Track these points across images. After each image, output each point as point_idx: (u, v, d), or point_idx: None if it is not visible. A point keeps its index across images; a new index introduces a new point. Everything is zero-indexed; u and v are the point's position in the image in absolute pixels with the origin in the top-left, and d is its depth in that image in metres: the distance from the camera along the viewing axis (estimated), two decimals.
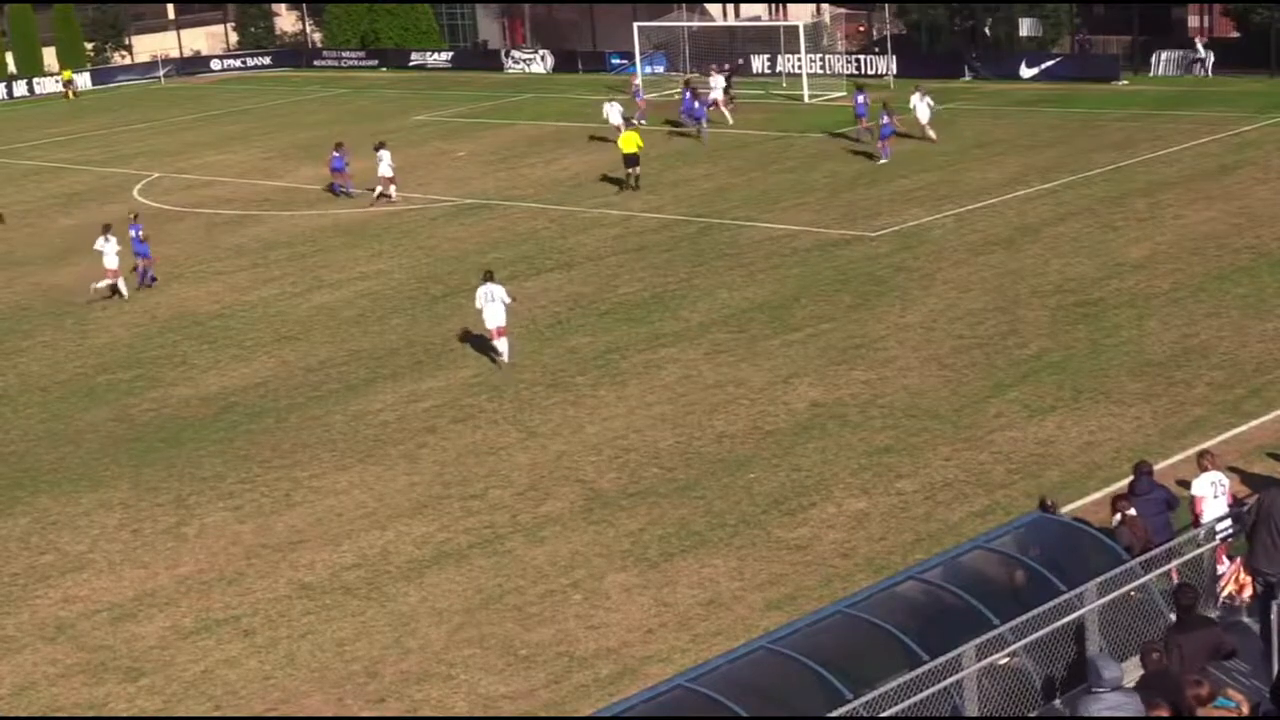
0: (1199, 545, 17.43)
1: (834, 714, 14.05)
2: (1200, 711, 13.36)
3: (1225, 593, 17.20)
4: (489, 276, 31.36)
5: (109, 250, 38.49)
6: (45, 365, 33.89)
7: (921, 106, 49.70)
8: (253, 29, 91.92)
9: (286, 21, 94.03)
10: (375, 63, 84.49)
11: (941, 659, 14.68)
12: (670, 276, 36.33)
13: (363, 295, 37.23)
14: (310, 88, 78.76)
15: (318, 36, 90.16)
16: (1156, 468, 20.21)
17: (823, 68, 65.02)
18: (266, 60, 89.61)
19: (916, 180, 44.31)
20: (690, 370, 29.62)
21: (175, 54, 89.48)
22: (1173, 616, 15.61)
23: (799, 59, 63.94)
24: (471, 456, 26.36)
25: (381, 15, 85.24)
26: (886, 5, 69.63)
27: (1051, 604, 15.60)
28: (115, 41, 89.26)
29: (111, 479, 26.75)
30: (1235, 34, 62.40)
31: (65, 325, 36.92)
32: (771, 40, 68.80)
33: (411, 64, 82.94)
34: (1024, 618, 15.41)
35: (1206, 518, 18.39)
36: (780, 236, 39.12)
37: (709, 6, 79.85)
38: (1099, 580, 15.81)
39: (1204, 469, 19.23)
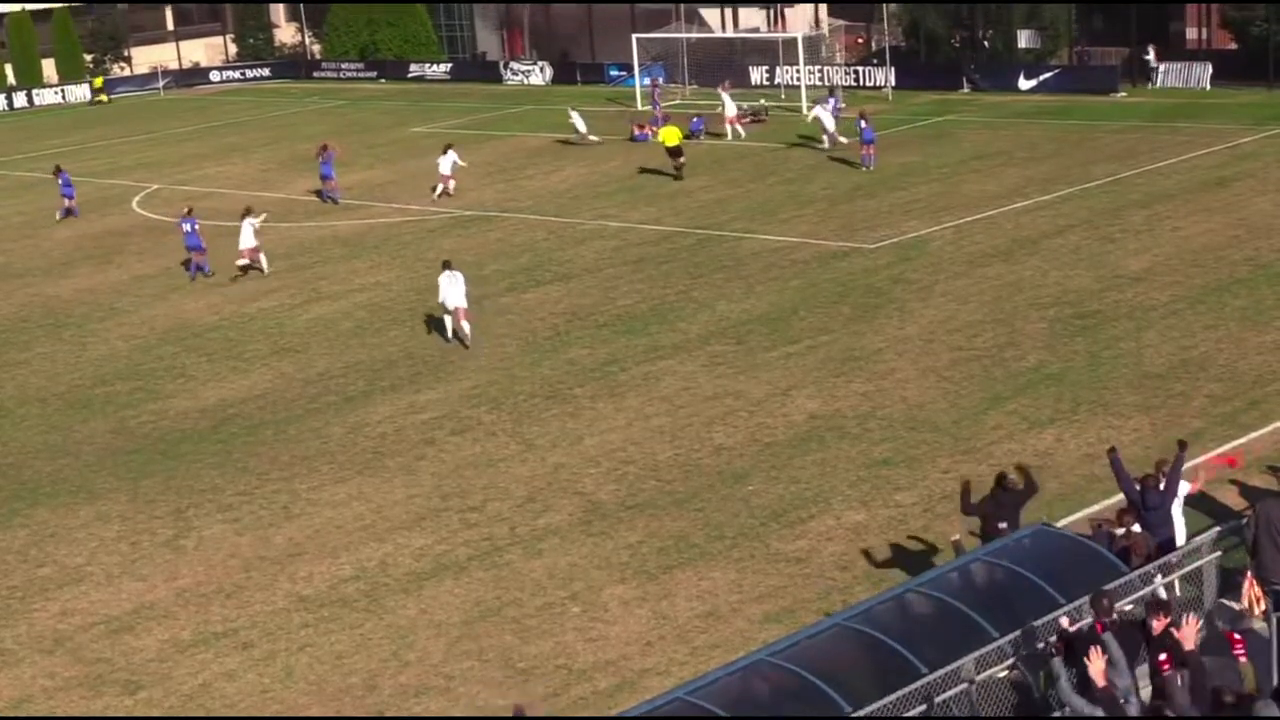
0: (1202, 556, 17.44)
1: None
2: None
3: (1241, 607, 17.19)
4: (448, 265, 33.57)
5: (247, 229, 40.51)
6: (43, 377, 33.87)
7: (824, 114, 50.42)
8: (252, 40, 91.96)
9: (285, 33, 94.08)
10: (374, 74, 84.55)
11: (941, 671, 14.67)
12: (669, 288, 36.33)
13: (361, 307, 37.23)
14: (309, 99, 78.81)
15: (317, 48, 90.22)
16: None
17: (821, 79, 65.09)
18: (265, 71, 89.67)
19: (914, 192, 44.34)
20: (689, 382, 29.61)
21: (174, 65, 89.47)
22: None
23: (798, 70, 64.01)
24: (470, 468, 26.34)
25: (381, 27, 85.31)
26: (885, 18, 69.65)
27: (1049, 617, 15.60)
28: (114, 53, 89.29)
29: (109, 491, 26.74)
30: (1233, 45, 62.43)
31: (64, 337, 36.91)
32: (770, 51, 68.85)
33: (410, 75, 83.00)
34: (1022, 630, 15.42)
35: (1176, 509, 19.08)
36: (779, 248, 39.13)
37: (707, 17, 79.93)
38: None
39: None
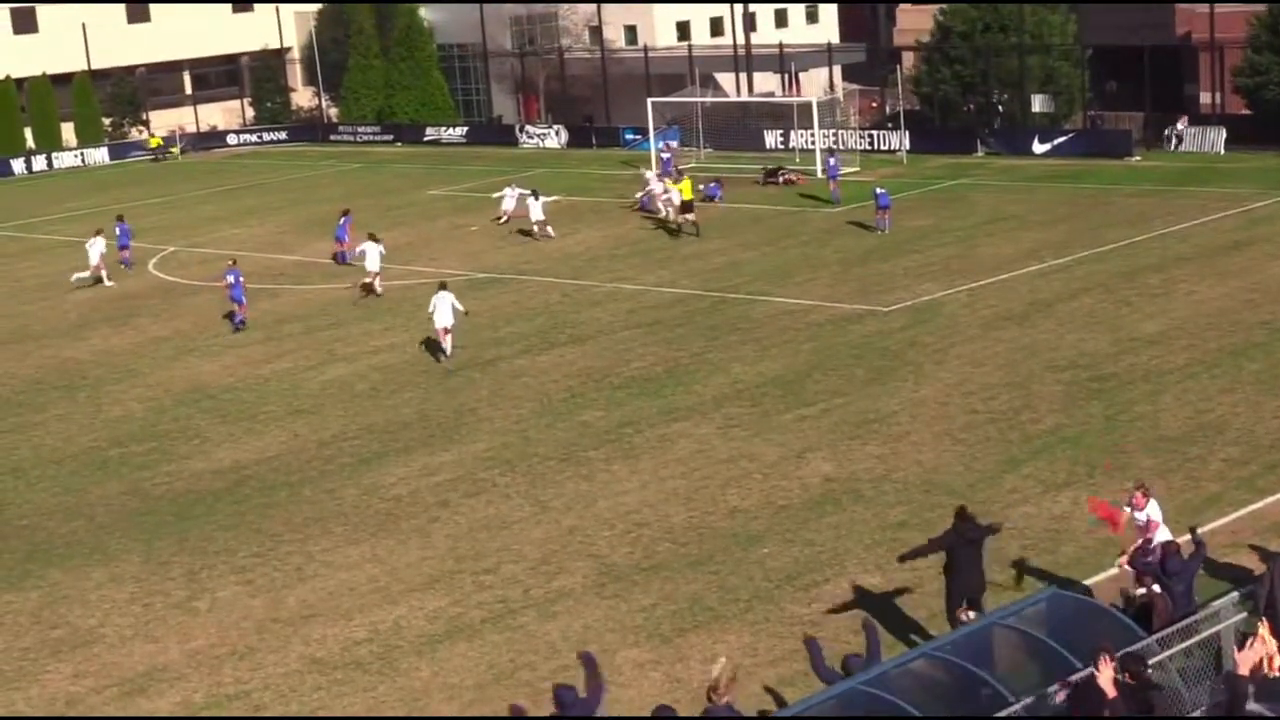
0: (1220, 621, 17.31)
1: None
2: None
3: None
4: (443, 286, 37.48)
5: (372, 253, 44.74)
6: (59, 438, 33.91)
7: (654, 181, 52.69)
8: (269, 104, 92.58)
9: (302, 97, 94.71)
10: (390, 137, 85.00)
11: None
12: (683, 351, 36.34)
13: (376, 369, 37.27)
14: (326, 162, 79.20)
15: (333, 111, 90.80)
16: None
17: (836, 143, 65.33)
18: (282, 135, 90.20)
19: (929, 255, 44.38)
20: (703, 445, 29.57)
21: (191, 129, 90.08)
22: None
23: (812, 134, 64.22)
24: (484, 530, 26.29)
25: (398, 91, 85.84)
26: (900, 82, 69.92)
27: (1079, 674, 15.50)
28: (133, 117, 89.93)
29: (123, 552, 26.70)
30: (1247, 111, 62.57)
31: (79, 398, 36.98)
32: (784, 116, 69.12)
33: (426, 139, 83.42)
34: (1040, 694, 15.32)
35: (1158, 538, 19.65)
36: (793, 311, 39.15)
37: (722, 82, 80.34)
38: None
39: (1149, 498, 20.35)
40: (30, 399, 37.33)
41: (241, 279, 42.25)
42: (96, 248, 49.57)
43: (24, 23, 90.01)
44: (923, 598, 22.02)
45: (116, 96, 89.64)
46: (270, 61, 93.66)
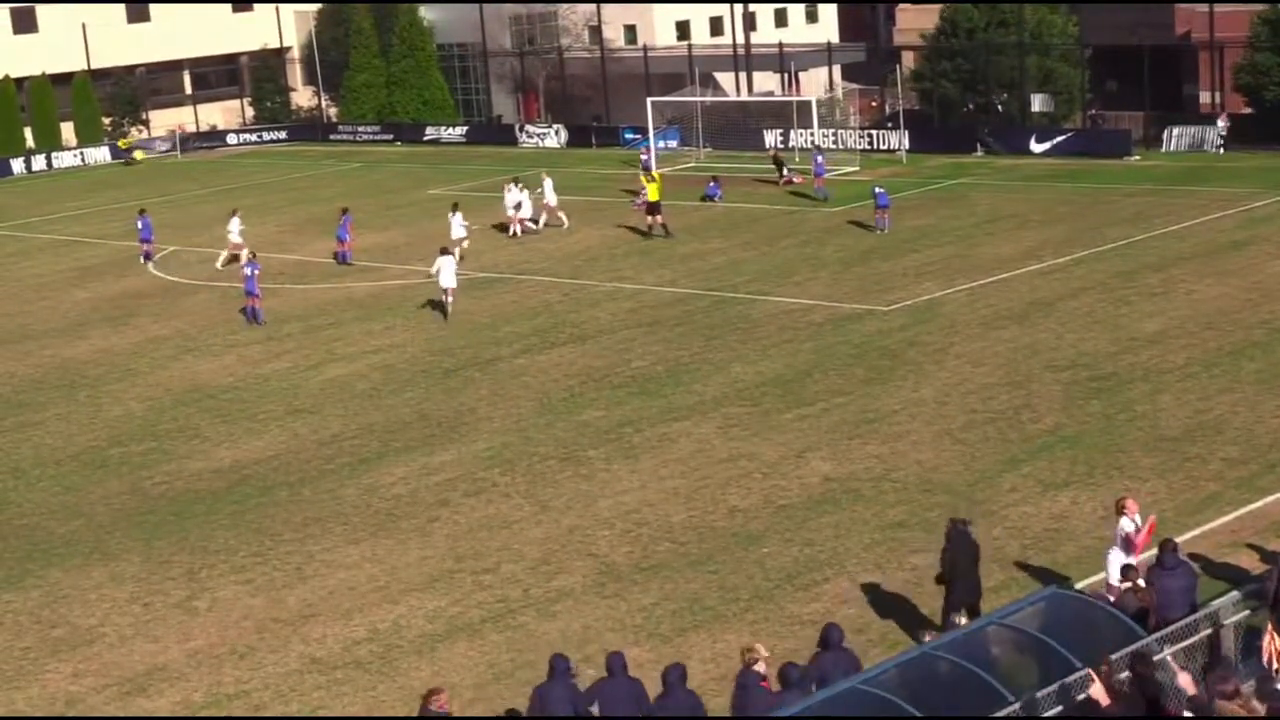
0: (1218, 623, 17.32)
1: None
2: None
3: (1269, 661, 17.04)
4: (445, 250, 41.74)
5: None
6: (58, 438, 33.92)
7: (517, 197, 52.42)
8: (269, 104, 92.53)
9: (302, 96, 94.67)
10: (390, 137, 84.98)
11: None
12: (683, 350, 36.35)
13: (375, 368, 37.28)
14: (325, 162, 79.19)
15: (333, 111, 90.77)
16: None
17: (836, 143, 65.35)
18: (282, 134, 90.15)
19: (929, 255, 44.40)
20: (703, 444, 29.58)
21: (191, 128, 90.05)
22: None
23: (812, 134, 64.24)
24: (484, 530, 26.30)
25: (397, 90, 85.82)
26: (899, 81, 69.92)
27: (1069, 679, 15.51)
28: (133, 117, 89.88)
29: (123, 552, 26.71)
30: (1247, 109, 62.58)
31: (79, 398, 36.98)
32: (784, 115, 69.13)
33: (426, 138, 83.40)
34: (1039, 693, 15.32)
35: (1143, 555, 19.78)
36: (793, 310, 39.17)
37: (722, 81, 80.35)
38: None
39: (1131, 511, 20.30)
40: (30, 398, 37.33)
41: (258, 271, 42.69)
42: (235, 227, 50.41)
43: (24, 22, 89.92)
44: (922, 597, 22.03)
45: (116, 96, 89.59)
46: (270, 61, 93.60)
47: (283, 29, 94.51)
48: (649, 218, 50.37)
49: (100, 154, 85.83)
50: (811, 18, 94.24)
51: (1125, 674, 15.80)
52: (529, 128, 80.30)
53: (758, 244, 48.33)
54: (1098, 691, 14.52)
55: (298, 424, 33.37)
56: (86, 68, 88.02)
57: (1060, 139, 62.50)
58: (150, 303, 47.00)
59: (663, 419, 31.36)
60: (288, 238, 56.75)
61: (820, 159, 56.28)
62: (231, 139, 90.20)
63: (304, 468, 30.43)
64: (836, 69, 79.59)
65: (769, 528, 25.25)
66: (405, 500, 28.09)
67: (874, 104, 77.04)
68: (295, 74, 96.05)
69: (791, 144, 67.62)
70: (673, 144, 69.98)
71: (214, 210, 64.76)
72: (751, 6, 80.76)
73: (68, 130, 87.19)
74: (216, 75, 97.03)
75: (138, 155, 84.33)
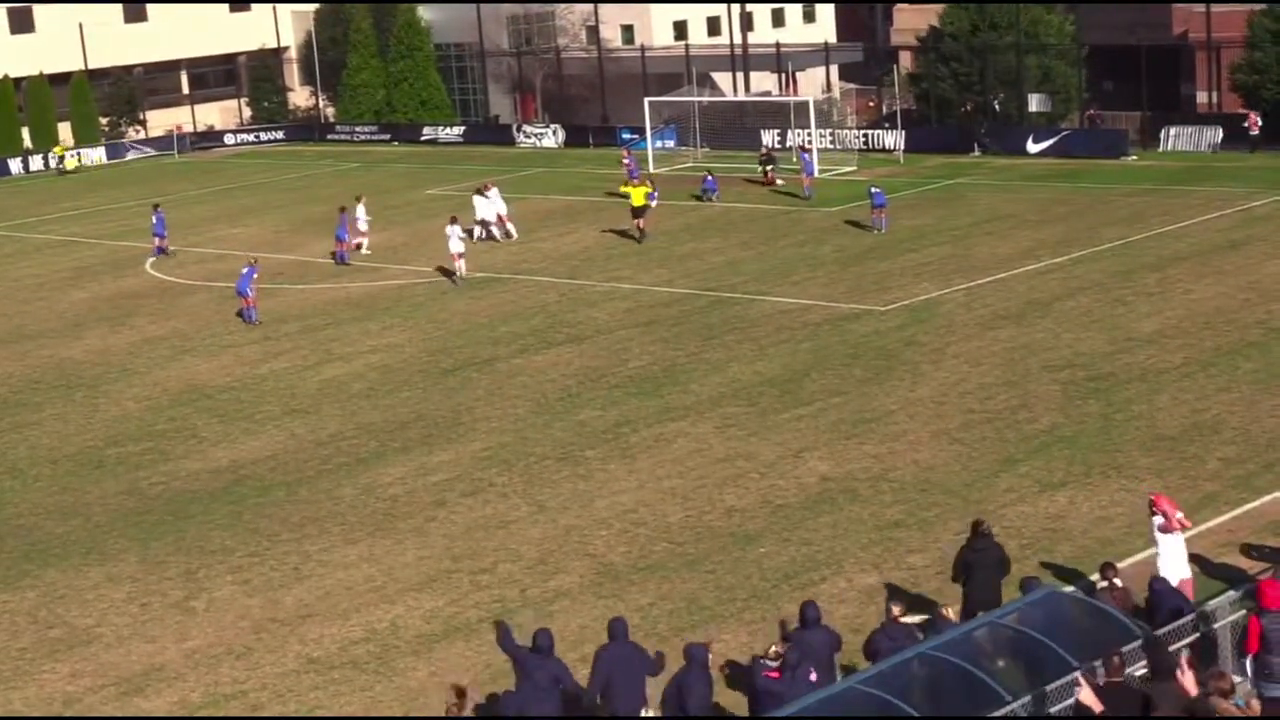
0: (1214, 621, 17.33)
1: None
2: None
3: None
4: (454, 220, 45.88)
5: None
6: (55, 438, 33.91)
7: (455, 235, 48.64)
8: (266, 104, 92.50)
9: (300, 96, 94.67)
10: (388, 137, 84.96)
11: None
12: (680, 350, 36.35)
13: (373, 368, 37.27)
14: (323, 162, 79.15)
15: (331, 111, 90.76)
16: None
17: (833, 143, 65.34)
18: (280, 134, 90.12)
19: (926, 254, 44.40)
20: (700, 444, 29.58)
21: (189, 128, 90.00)
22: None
23: (809, 134, 64.24)
24: (481, 530, 26.30)
25: (395, 90, 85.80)
26: (897, 81, 69.92)
27: (1063, 680, 15.52)
28: (130, 117, 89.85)
29: (120, 552, 26.70)
30: (1244, 110, 62.55)
31: (76, 398, 36.97)
32: (781, 115, 69.13)
33: (424, 138, 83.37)
34: (1035, 693, 15.34)
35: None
36: (790, 310, 39.17)
37: (719, 81, 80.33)
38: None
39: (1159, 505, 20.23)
40: (27, 399, 37.32)
41: (254, 274, 42.87)
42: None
43: (21, 22, 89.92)
44: (921, 597, 22.04)
45: (114, 96, 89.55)
46: (267, 61, 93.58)
47: (280, 29, 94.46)
48: (632, 221, 50.22)
49: (97, 154, 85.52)
50: (809, 18, 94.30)
51: (1140, 670, 15.84)
52: (526, 128, 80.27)
53: (755, 244, 48.33)
54: (1087, 697, 14.52)
55: (295, 424, 33.36)
56: (84, 68, 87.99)
57: (1057, 139, 62.49)
58: (147, 303, 46.98)
59: (660, 419, 31.36)
60: (285, 238, 56.72)
61: (809, 158, 56.58)
62: (229, 139, 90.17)
63: (301, 468, 30.42)
64: (834, 69, 79.61)
65: (766, 528, 25.25)
66: (402, 500, 28.09)
67: (871, 104, 77.06)
68: (293, 74, 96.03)
69: (789, 144, 67.65)
70: (670, 144, 69.95)
71: (212, 210, 64.79)
72: (749, 6, 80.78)
73: (65, 130, 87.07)
74: (214, 75, 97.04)
75: (69, 164, 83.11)
